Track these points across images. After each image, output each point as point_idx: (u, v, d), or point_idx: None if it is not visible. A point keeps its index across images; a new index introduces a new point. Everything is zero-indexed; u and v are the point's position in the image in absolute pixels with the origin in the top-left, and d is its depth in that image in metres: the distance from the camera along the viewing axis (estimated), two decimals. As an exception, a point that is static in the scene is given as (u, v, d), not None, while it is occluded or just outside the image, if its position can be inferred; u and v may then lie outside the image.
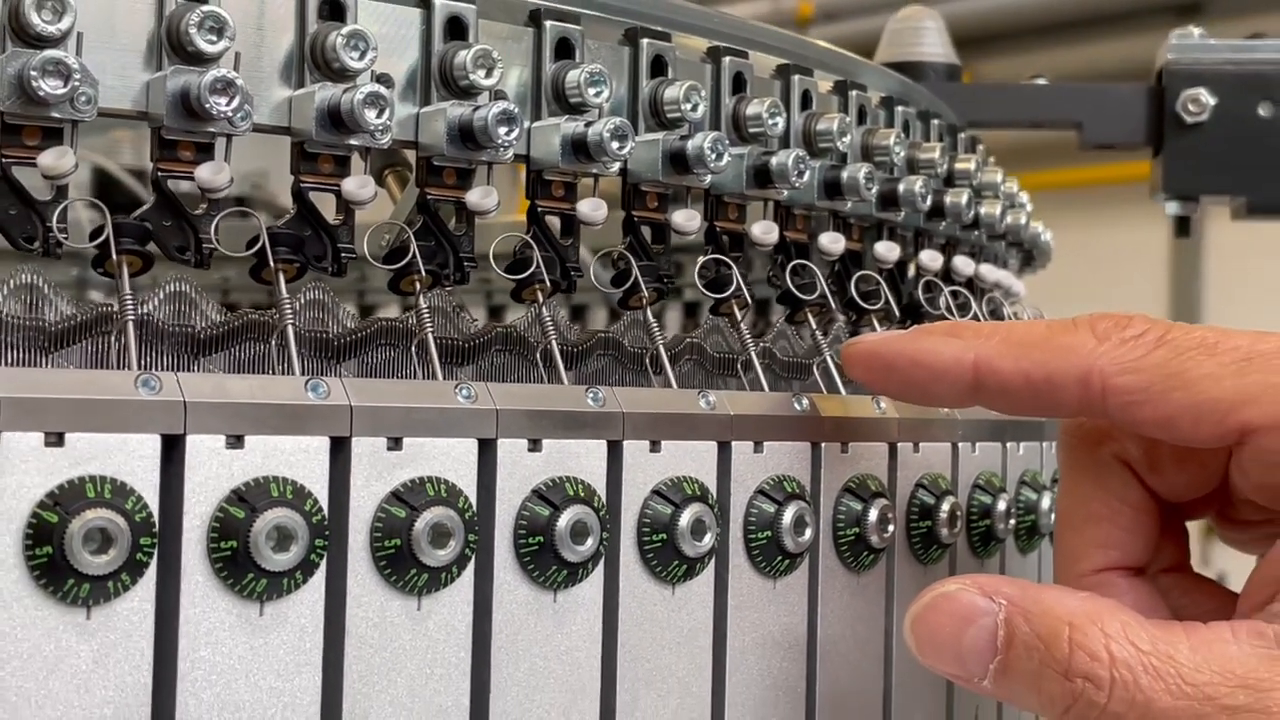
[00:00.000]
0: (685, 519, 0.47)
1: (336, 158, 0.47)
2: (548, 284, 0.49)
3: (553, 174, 0.50)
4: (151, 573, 0.40)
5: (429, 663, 0.44)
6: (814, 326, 0.56)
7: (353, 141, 0.46)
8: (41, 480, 0.39)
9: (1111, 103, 0.78)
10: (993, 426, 0.59)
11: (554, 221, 0.51)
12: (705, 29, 0.55)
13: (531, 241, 0.50)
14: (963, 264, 0.66)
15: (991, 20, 9.19)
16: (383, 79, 0.47)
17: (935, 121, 0.66)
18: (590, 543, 0.45)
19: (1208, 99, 0.76)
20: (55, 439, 0.39)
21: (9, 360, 0.43)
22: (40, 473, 0.39)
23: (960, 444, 0.57)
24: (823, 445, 0.52)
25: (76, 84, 0.42)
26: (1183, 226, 0.79)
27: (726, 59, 0.55)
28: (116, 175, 1.38)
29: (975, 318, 0.65)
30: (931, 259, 0.63)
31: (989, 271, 0.74)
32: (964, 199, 0.63)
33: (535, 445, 0.45)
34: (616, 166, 0.51)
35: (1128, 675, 0.46)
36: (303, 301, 0.47)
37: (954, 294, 0.64)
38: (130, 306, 0.44)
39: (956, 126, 0.69)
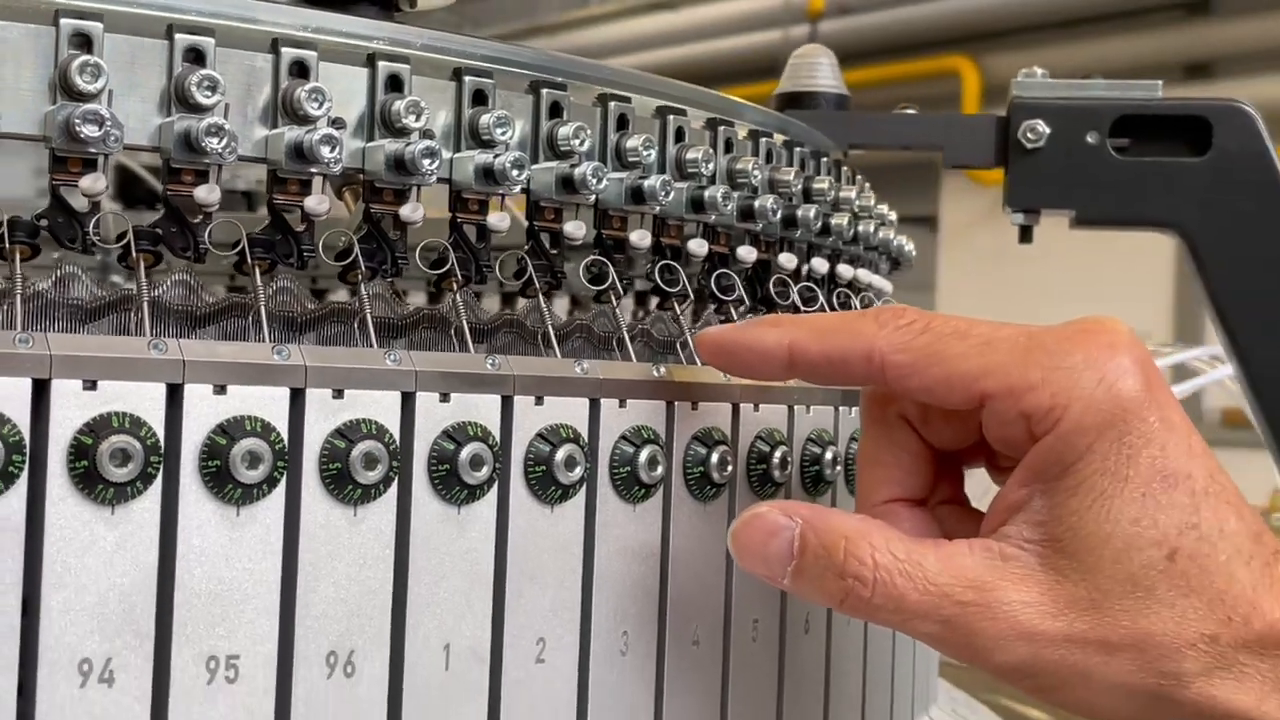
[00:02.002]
0: (560, 455, 0.63)
1: (301, 181, 0.62)
2: (460, 277, 0.65)
3: (469, 194, 0.66)
4: (158, 482, 0.55)
5: (361, 557, 0.59)
6: (678, 313, 0.71)
7: (312, 170, 0.61)
8: (80, 414, 0.54)
9: (968, 130, 0.93)
10: (825, 394, 0.74)
11: (471, 230, 0.67)
12: (596, 79, 0.71)
13: (450, 246, 0.65)
14: (819, 265, 0.81)
15: (1001, 15, 9.28)
16: (336, 122, 0.62)
17: (799, 149, 0.81)
18: (485, 470, 0.61)
19: (1044, 128, 0.91)
20: (90, 385, 0.55)
21: (57, 328, 0.59)
22: (79, 409, 0.54)
23: (796, 406, 0.73)
24: (675, 404, 0.67)
25: (108, 129, 0.57)
26: (1025, 235, 0.94)
27: (612, 103, 0.70)
28: (136, 170, 1.55)
29: (821, 309, 0.80)
30: (788, 260, 0.78)
31: (863, 275, 0.89)
32: (813, 213, 0.79)
33: (445, 398, 0.61)
34: (519, 188, 0.66)
35: (886, 577, 0.62)
36: (274, 288, 0.63)
37: (805, 290, 0.80)
38: (145, 291, 0.59)
39: (822, 152, 0.85)
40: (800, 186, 0.79)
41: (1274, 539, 0.64)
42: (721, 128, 0.75)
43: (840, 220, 0.83)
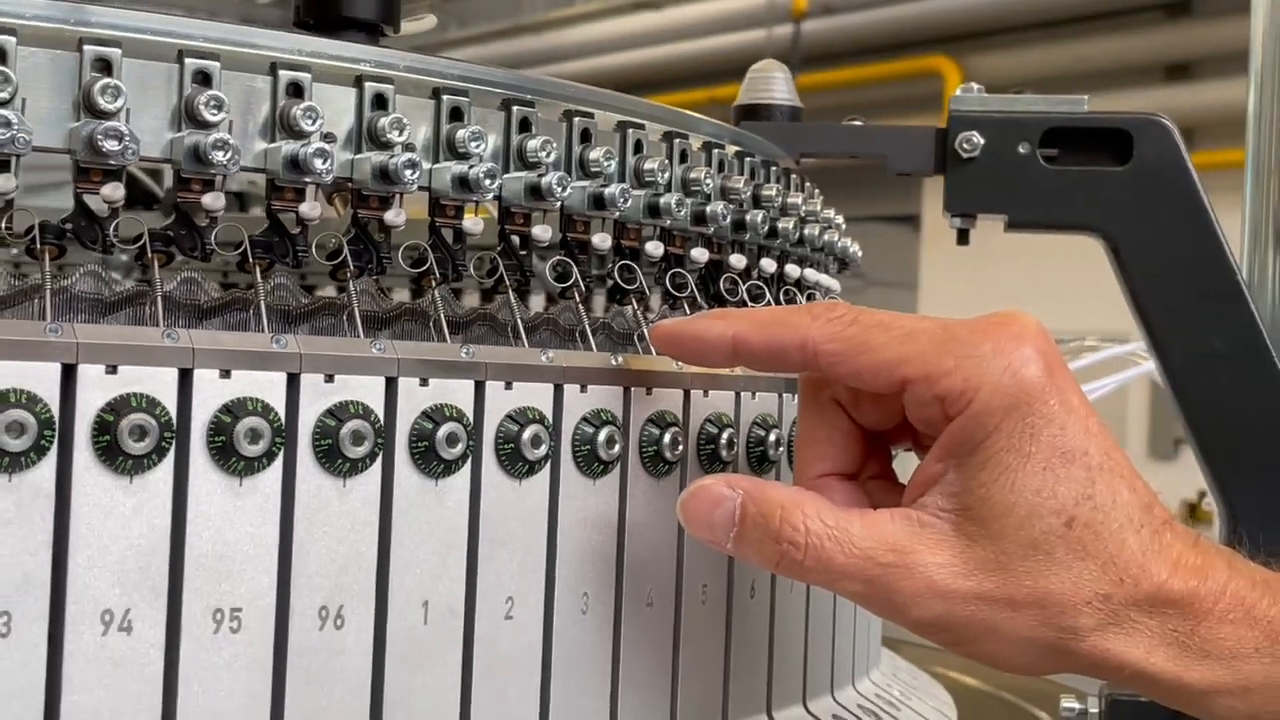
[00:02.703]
0: (527, 434, 0.71)
1: (296, 189, 0.70)
2: (438, 275, 0.72)
3: (446, 200, 0.73)
4: (170, 456, 0.63)
5: (349, 523, 0.67)
6: (635, 308, 0.79)
7: (306, 180, 0.69)
8: (103, 395, 0.62)
9: (909, 140, 1.01)
10: (770, 381, 0.82)
11: (448, 233, 0.75)
12: (561, 96, 0.78)
13: (429, 247, 0.73)
14: (767, 264, 0.89)
15: (982, 16, 9.33)
16: (327, 137, 0.70)
17: (749, 159, 0.89)
18: (460, 448, 0.69)
19: (979, 139, 0.99)
20: (112, 369, 0.62)
21: (83, 319, 0.67)
22: (102, 390, 0.62)
23: (743, 393, 0.80)
24: (632, 389, 0.75)
25: (127, 143, 0.65)
26: (963, 237, 1.02)
27: (576, 119, 0.78)
28: (134, 173, 1.62)
29: (768, 304, 0.88)
30: (738, 261, 0.86)
31: (811, 274, 0.97)
32: (760, 217, 0.87)
33: (424, 383, 0.68)
34: (492, 195, 0.74)
35: (816, 541, 0.70)
36: (272, 285, 0.71)
37: (754, 288, 0.88)
38: (159, 287, 0.67)
39: (771, 161, 0.93)
40: (750, 193, 0.87)
41: (1164, 510, 0.72)
42: (677, 140, 0.83)
43: (787, 224, 0.90)
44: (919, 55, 9.68)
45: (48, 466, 0.61)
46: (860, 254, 1.06)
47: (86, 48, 0.66)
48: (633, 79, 10.03)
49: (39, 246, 0.66)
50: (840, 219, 1.02)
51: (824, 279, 0.99)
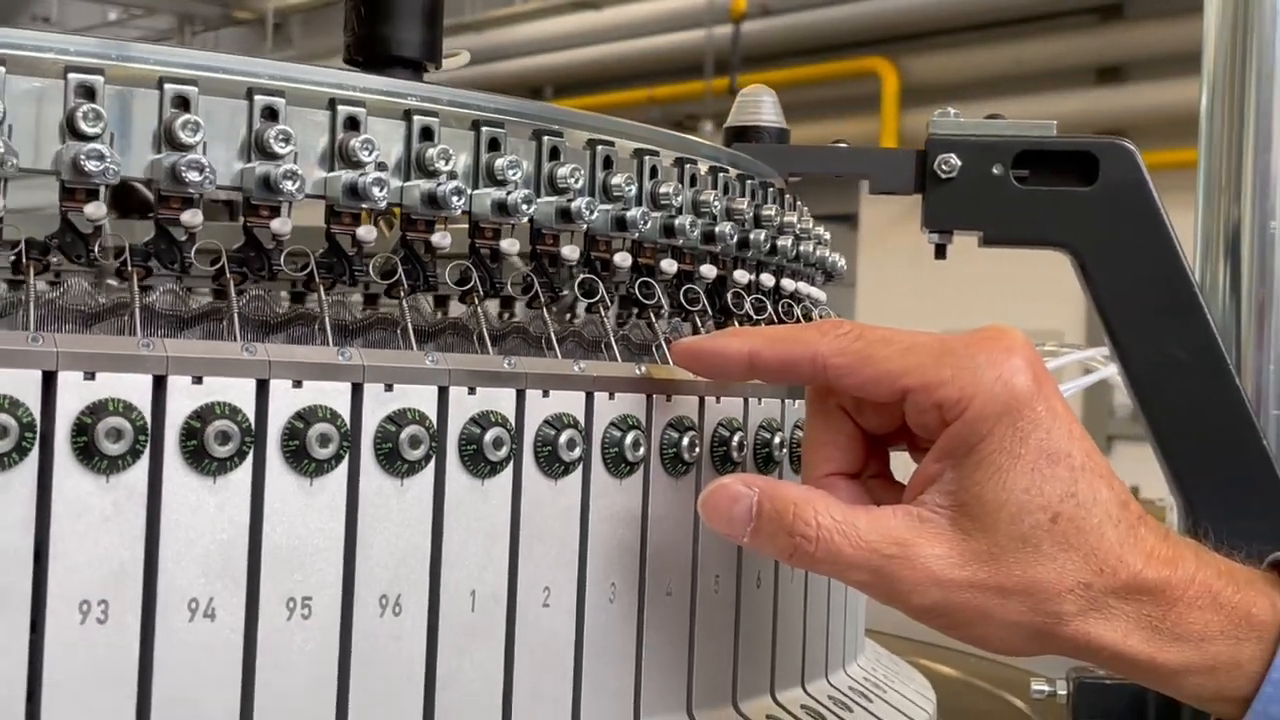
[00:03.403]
0: (563, 439, 0.77)
1: (353, 214, 0.76)
2: (481, 292, 0.79)
3: (486, 224, 0.80)
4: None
5: (406, 519, 0.74)
6: (653, 321, 0.86)
7: (363, 205, 0.75)
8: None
9: (892, 161, 1.08)
10: (773, 389, 0.89)
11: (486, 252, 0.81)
12: (585, 125, 0.85)
13: (472, 266, 0.80)
14: (766, 280, 0.96)
15: (918, 18, 9.44)
16: (380, 165, 0.76)
17: (750, 180, 0.96)
18: (504, 451, 0.75)
19: (956, 161, 1.06)
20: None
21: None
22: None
23: (750, 399, 0.87)
24: (654, 396, 0.82)
25: (207, 174, 0.71)
26: (940, 252, 1.09)
27: (599, 147, 0.85)
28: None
29: (769, 316, 0.95)
30: (742, 276, 0.93)
31: (803, 287, 1.04)
32: (763, 236, 0.94)
33: (472, 391, 0.75)
34: (525, 218, 0.81)
35: (827, 535, 0.77)
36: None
37: (757, 301, 0.95)
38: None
39: (768, 182, 1.00)
40: (752, 213, 0.94)
41: (1138, 506, 0.79)
42: (687, 165, 0.90)
43: (785, 242, 0.98)
44: (856, 56, 9.79)
45: (141, 469, 0.67)
46: (844, 265, 1.14)
47: (167, 86, 0.72)
48: (573, 78, 10.11)
49: (129, 267, 0.72)
50: (828, 234, 1.10)
51: (814, 291, 1.06)
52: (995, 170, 1.06)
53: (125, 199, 1.08)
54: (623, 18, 9.54)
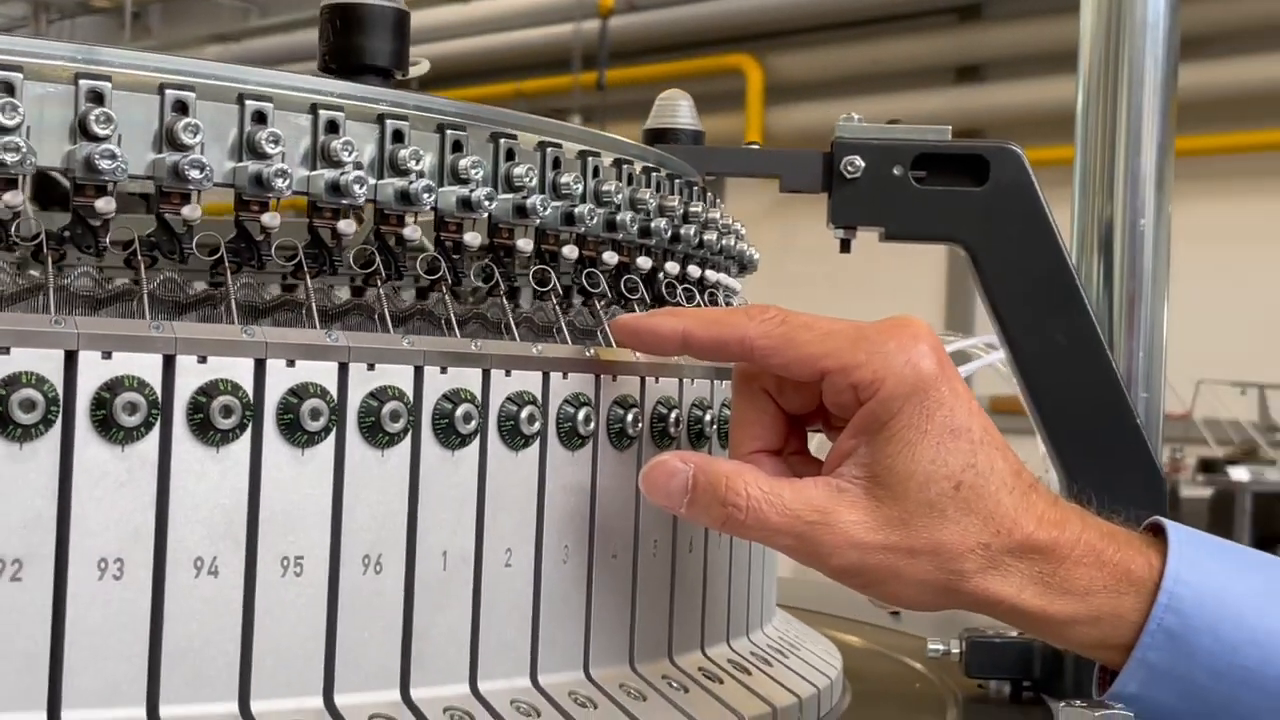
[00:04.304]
0: (524, 414, 0.85)
1: (334, 210, 0.84)
2: (448, 280, 0.87)
3: (450, 218, 0.88)
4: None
5: (386, 487, 0.81)
6: (597, 308, 0.94)
7: (344, 202, 0.83)
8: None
9: (800, 162, 1.17)
10: (704, 370, 0.98)
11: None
12: (539, 129, 0.93)
13: (437, 256, 0.87)
14: (693, 271, 1.05)
15: (782, 16, 9.58)
16: (358, 165, 0.84)
17: (677, 180, 1.05)
18: (473, 424, 0.83)
19: (860, 162, 1.15)
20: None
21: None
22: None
23: (684, 379, 0.96)
24: (601, 376, 0.90)
25: (207, 173, 0.78)
26: (845, 246, 1.19)
27: (549, 149, 0.93)
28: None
29: (696, 305, 1.04)
30: (673, 267, 1.02)
31: (715, 276, 1.13)
32: (692, 231, 1.03)
33: (444, 370, 0.83)
34: (486, 215, 0.88)
35: (755, 505, 0.85)
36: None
37: (686, 290, 1.03)
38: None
39: (692, 181, 1.08)
40: (681, 210, 1.03)
41: (1029, 474, 0.89)
42: (625, 165, 0.98)
43: (710, 236, 1.07)
44: (721, 53, 9.92)
45: (153, 440, 0.74)
46: (758, 258, 1.23)
47: (168, 92, 0.79)
48: (441, 71, 10.12)
49: (138, 257, 0.78)
50: (742, 228, 1.18)
51: (732, 282, 1.15)
52: (895, 171, 1.16)
53: (47, 192, 1.14)
54: (491, 11, 9.58)
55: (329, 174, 0.83)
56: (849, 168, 1.16)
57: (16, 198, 0.76)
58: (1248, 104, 8.09)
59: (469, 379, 0.84)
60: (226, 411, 0.76)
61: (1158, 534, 0.91)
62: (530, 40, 9.74)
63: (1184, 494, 6.41)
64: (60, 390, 0.72)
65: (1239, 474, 6.78)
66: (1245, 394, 7.27)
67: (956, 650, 1.18)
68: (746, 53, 9.83)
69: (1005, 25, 8.96)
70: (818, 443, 0.95)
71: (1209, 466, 6.83)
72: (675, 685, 0.93)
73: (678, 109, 1.20)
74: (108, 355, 0.74)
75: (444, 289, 0.87)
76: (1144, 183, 1.22)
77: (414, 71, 0.93)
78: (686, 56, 10.03)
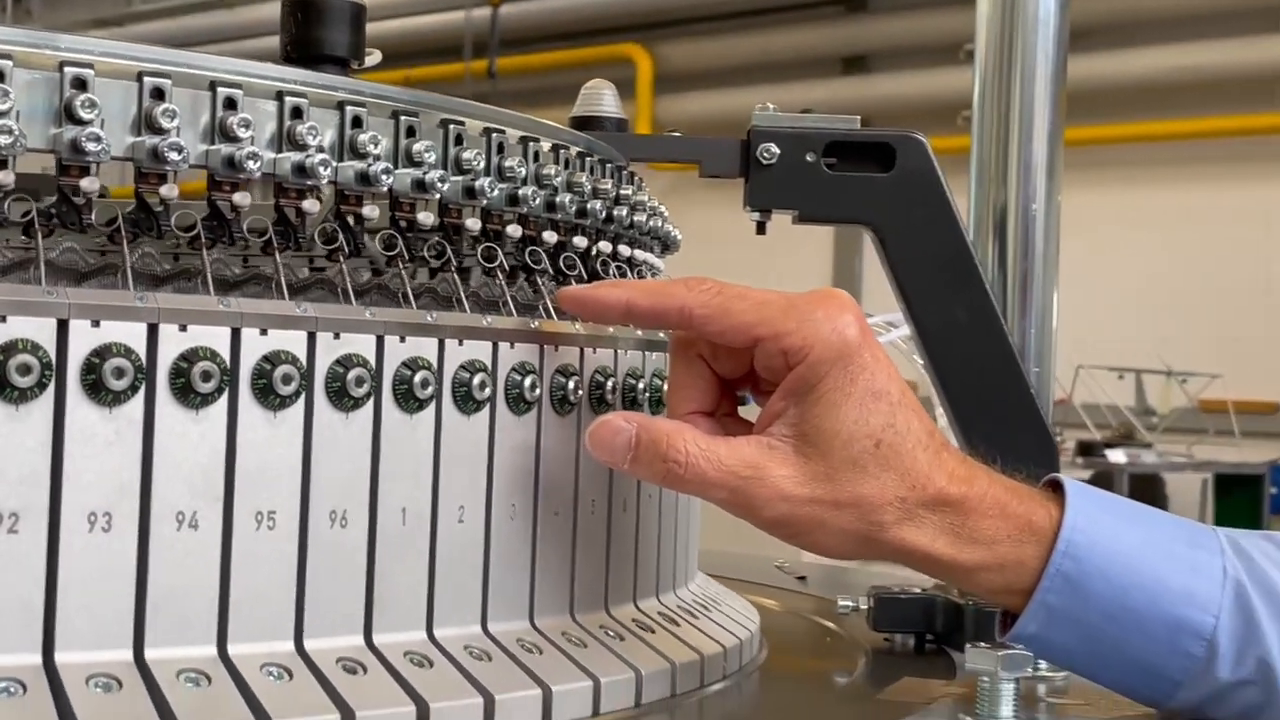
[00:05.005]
0: (476, 380, 0.92)
1: (298, 190, 0.90)
2: (406, 255, 0.93)
3: (404, 199, 0.94)
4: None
5: (350, 447, 0.87)
6: (541, 285, 1.01)
7: (309, 183, 0.89)
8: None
9: (720, 149, 1.25)
10: (636, 342, 1.05)
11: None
12: (484, 117, 1.00)
13: (395, 233, 0.94)
14: (624, 249, 1.12)
15: (670, 6, 9.65)
16: (320, 149, 0.90)
17: (609, 164, 1.12)
18: (430, 390, 0.90)
19: (775, 149, 1.23)
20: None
21: (146, 289, 0.85)
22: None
23: (619, 350, 1.03)
24: (545, 346, 0.97)
25: (185, 155, 0.84)
26: (761, 228, 1.26)
27: (494, 135, 1.00)
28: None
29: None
30: (605, 247, 1.09)
31: (643, 255, 1.20)
32: (624, 212, 1.10)
33: (403, 339, 0.89)
34: (437, 195, 0.95)
35: (693, 460, 0.93)
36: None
37: (619, 268, 1.11)
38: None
39: (621, 165, 1.15)
40: (614, 194, 1.10)
41: (941, 435, 0.97)
42: (562, 150, 1.05)
43: (640, 217, 1.14)
44: (612, 42, 9.99)
45: (138, 402, 0.80)
46: (680, 238, 1.30)
47: (146, 80, 0.84)
48: (330, 57, 10.11)
49: (122, 232, 0.84)
50: (665, 209, 1.26)
51: (656, 260, 1.22)
52: (808, 158, 1.23)
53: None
54: (383, -3, 9.58)
55: (294, 157, 0.88)
56: (765, 154, 1.23)
57: (8, 177, 0.81)
58: (1126, 96, 8.30)
59: (426, 348, 0.90)
60: (205, 376, 0.82)
61: (1056, 489, 0.99)
62: (421, 27, 9.75)
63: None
64: (53, 356, 0.78)
65: (1116, 456, 6.99)
66: (1123, 379, 7.48)
67: (865, 606, 1.26)
68: (636, 42, 9.90)
69: (890, 17, 9.12)
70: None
71: (1088, 449, 7.03)
72: (612, 634, 1.00)
73: (602, 98, 1.27)
74: (96, 324, 0.79)
75: (400, 264, 0.93)
76: (1036, 170, 1.30)
77: (368, 61, 0.99)
78: (577, 45, 10.09)
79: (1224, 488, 7.51)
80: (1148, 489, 7.40)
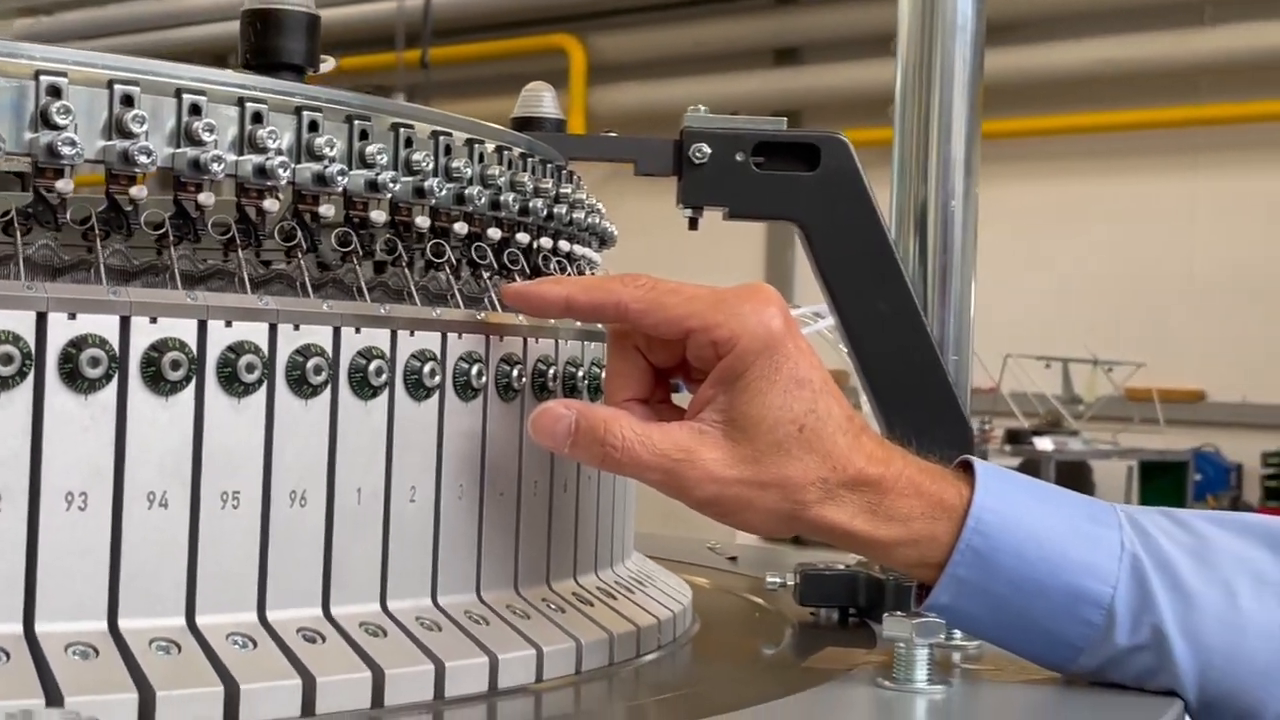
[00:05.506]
0: (426, 369, 0.98)
1: (259, 190, 0.95)
2: (360, 254, 0.99)
3: (358, 198, 1.00)
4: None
5: (309, 431, 0.93)
6: (485, 279, 1.07)
7: (269, 183, 0.95)
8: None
9: (653, 149, 1.31)
10: (575, 333, 1.11)
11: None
12: (431, 119, 1.06)
13: (350, 231, 1.00)
14: (564, 245, 1.18)
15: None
16: (279, 152, 0.96)
17: (549, 164, 1.18)
18: (384, 377, 0.96)
19: (707, 149, 1.29)
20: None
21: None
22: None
23: (560, 340, 1.10)
24: (490, 337, 1.03)
25: (154, 158, 0.89)
26: (693, 224, 1.33)
27: (441, 137, 1.06)
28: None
29: (568, 274, 1.18)
30: (547, 243, 1.15)
31: (580, 249, 1.27)
32: (564, 209, 1.16)
33: (358, 331, 0.95)
34: (389, 195, 1.01)
35: (628, 445, 0.99)
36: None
37: (560, 263, 1.17)
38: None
39: (561, 165, 1.22)
40: (554, 192, 1.16)
41: (860, 419, 1.04)
42: (505, 151, 1.11)
43: (581, 215, 1.20)
44: (545, 33, 10.04)
45: (112, 390, 0.86)
46: (616, 233, 1.36)
47: (116, 86, 0.90)
48: (264, 47, 10.10)
49: (95, 231, 0.89)
50: (602, 206, 1.32)
51: (594, 255, 1.28)
52: (738, 157, 1.30)
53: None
54: (314, -13, 9.58)
55: (255, 159, 0.94)
56: (697, 154, 1.29)
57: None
58: (1054, 89, 8.43)
59: (379, 339, 0.96)
60: (175, 365, 0.87)
61: (968, 470, 1.06)
62: (353, 16, 9.76)
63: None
64: (33, 346, 0.84)
65: (1043, 444, 7.11)
66: (1050, 368, 7.61)
67: (791, 583, 1.33)
68: (569, 32, 9.95)
69: (821, 9, 9.21)
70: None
71: (1015, 437, 7.15)
72: (554, 607, 1.07)
73: (542, 100, 1.33)
74: (73, 316, 0.85)
75: (355, 260, 0.99)
76: (954, 168, 1.38)
77: (323, 68, 1.05)
78: (510, 36, 10.13)
79: (1149, 474, 7.65)
80: (1074, 476, 7.53)
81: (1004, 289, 7.90)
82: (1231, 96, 8.28)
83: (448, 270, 1.05)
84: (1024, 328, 7.60)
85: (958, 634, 1.14)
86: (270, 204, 0.96)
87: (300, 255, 0.97)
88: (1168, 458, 7.70)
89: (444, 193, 1.04)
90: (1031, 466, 7.08)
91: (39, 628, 0.84)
